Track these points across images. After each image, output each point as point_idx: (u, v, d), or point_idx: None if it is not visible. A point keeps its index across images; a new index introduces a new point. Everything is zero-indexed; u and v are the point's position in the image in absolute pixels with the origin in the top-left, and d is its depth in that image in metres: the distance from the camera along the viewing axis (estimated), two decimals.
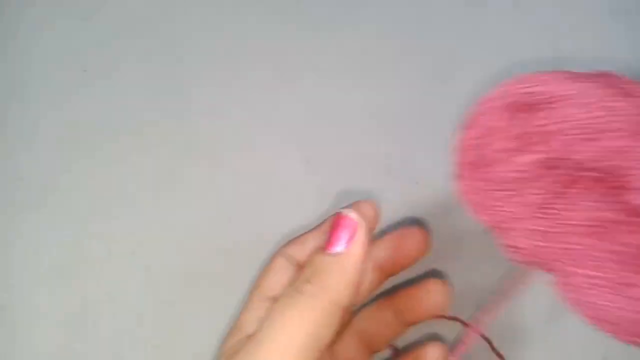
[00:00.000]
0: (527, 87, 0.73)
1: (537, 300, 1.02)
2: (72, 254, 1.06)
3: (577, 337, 0.99)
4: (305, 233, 0.73)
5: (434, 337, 1.02)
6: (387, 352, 0.96)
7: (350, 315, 0.74)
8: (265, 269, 0.65)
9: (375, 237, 0.92)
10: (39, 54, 1.24)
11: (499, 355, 0.74)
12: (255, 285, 0.65)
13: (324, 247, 0.56)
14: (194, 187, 1.11)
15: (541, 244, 0.67)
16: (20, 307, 1.02)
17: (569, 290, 0.66)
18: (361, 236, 0.56)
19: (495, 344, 0.99)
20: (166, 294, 1.03)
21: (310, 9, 1.26)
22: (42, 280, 1.04)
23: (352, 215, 0.57)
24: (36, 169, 1.12)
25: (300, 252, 0.64)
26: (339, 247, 0.55)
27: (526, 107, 0.72)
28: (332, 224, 0.57)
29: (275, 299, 0.56)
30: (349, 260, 0.55)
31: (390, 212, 1.08)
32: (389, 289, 0.98)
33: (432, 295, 0.72)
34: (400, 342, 0.99)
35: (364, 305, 0.86)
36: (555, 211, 0.65)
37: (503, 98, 0.76)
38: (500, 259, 1.06)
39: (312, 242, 0.64)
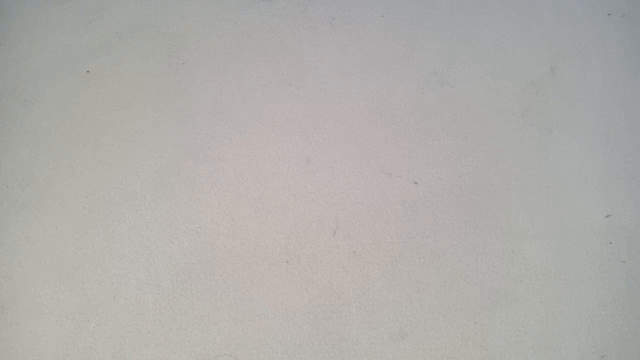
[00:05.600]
0: None
1: (536, 299, 1.02)
2: (72, 254, 1.05)
3: (575, 335, 1.00)
4: None
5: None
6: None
7: None
8: None
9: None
10: (45, 56, 1.24)
11: None
12: None
13: None
14: (195, 186, 1.11)
15: None
16: (21, 307, 1.02)
17: None
18: None
19: (495, 343, 0.99)
20: (167, 293, 1.03)
21: (310, 9, 1.26)
22: (43, 280, 1.03)
23: None
24: (38, 169, 1.12)
25: None
26: None
27: None
28: None
29: None
30: None
31: (391, 212, 1.08)
32: None
33: None
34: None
35: None
36: None
37: None
38: (500, 257, 1.06)
39: None
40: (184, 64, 1.21)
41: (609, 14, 1.22)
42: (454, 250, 1.06)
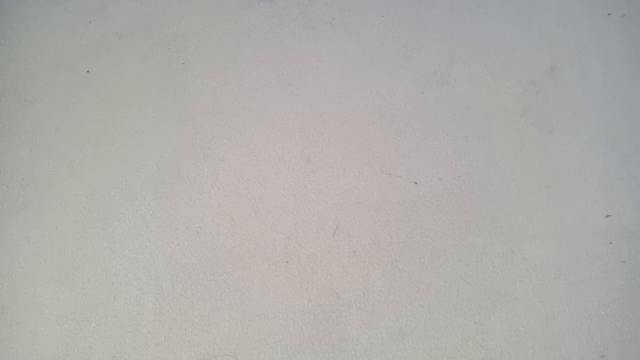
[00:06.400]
0: None
1: (536, 299, 1.02)
2: (72, 254, 1.05)
3: (575, 335, 1.00)
4: None
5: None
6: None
7: None
8: None
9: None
10: (45, 56, 1.24)
11: None
12: None
13: None
14: (195, 186, 1.11)
15: None
16: (21, 307, 1.02)
17: None
18: None
19: (495, 343, 0.99)
20: (167, 293, 1.03)
21: (310, 9, 1.26)
22: (43, 280, 1.03)
23: None
24: (38, 169, 1.12)
25: None
26: None
27: None
28: None
29: None
30: None
31: (391, 212, 1.08)
32: None
33: None
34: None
35: None
36: None
37: None
38: (500, 257, 1.06)
39: None
40: (184, 64, 1.21)
41: (609, 14, 1.22)
42: (454, 250, 1.06)
